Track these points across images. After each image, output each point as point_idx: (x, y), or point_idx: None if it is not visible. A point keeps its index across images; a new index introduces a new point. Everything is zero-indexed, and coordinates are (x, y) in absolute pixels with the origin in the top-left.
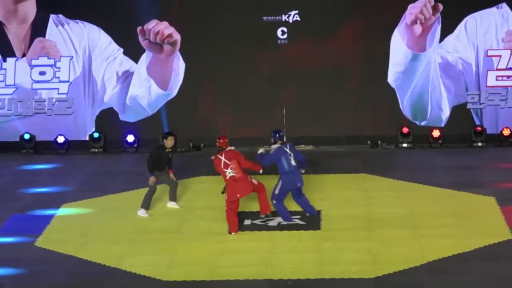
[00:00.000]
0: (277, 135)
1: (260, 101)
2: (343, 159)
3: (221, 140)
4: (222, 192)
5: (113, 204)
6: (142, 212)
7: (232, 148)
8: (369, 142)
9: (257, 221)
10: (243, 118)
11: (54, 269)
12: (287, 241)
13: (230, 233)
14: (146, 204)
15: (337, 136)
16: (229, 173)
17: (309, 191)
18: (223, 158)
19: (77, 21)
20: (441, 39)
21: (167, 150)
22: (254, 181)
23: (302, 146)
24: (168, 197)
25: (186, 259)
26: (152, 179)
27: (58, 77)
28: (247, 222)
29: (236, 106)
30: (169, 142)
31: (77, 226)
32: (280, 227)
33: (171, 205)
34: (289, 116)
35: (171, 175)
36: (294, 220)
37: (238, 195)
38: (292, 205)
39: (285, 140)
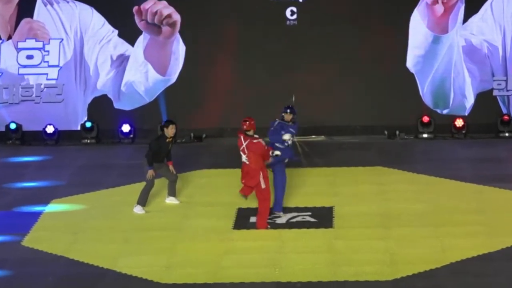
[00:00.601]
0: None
1: (267, 87)
2: (357, 150)
3: (248, 123)
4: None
5: (106, 200)
6: (138, 209)
7: (260, 140)
8: (386, 132)
9: None
10: (248, 105)
11: (42, 271)
12: (297, 240)
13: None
14: (143, 200)
15: (351, 125)
16: (244, 159)
17: (321, 185)
18: (244, 144)
19: (68, 0)
20: (465, 20)
21: (167, 140)
22: (263, 184)
23: (313, 136)
24: (167, 192)
25: (187, 259)
26: (150, 173)
27: (47, 61)
28: (253, 219)
29: (241, 92)
30: (170, 131)
31: (68, 224)
32: (289, 225)
33: (170, 200)
34: (298, 104)
35: (171, 167)
36: (278, 213)
37: (242, 181)
38: (303, 201)
39: (285, 118)
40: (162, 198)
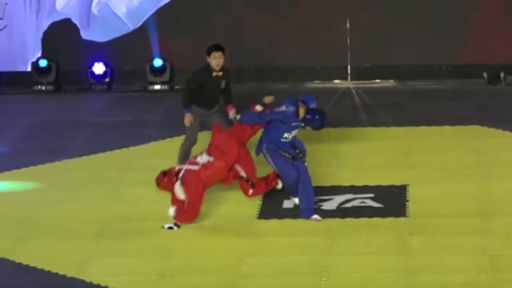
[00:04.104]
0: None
1: (309, 9)
2: (443, 102)
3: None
4: None
5: (70, 175)
6: None
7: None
8: (485, 74)
9: None
10: (281, 36)
11: None
12: (353, 234)
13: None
14: (182, 160)
15: (434, 65)
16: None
17: (389, 153)
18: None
19: None
20: None
21: (215, 74)
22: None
23: (378, 81)
24: None
25: (190, 264)
26: (187, 118)
27: None
28: (288, 204)
29: (269, 18)
30: (213, 61)
31: (13, 211)
32: (341, 212)
33: None
34: (355, 35)
35: (231, 113)
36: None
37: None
38: (362, 177)
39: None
40: (153, 171)
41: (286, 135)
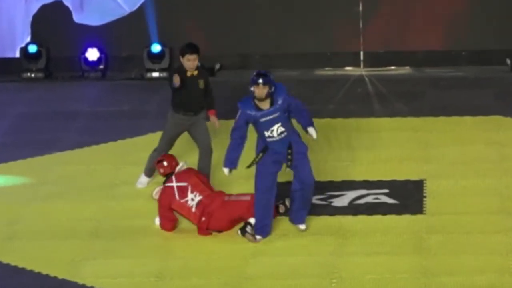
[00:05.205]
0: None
1: None
2: (463, 90)
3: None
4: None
5: (61, 170)
6: (140, 181)
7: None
8: (508, 61)
9: (314, 199)
10: (289, 20)
11: None
12: (366, 233)
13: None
14: (149, 169)
15: (453, 50)
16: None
17: (405, 145)
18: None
19: None
20: None
21: (189, 74)
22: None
23: (393, 68)
24: (197, 166)
25: (190, 265)
26: (176, 77)
27: None
28: None
29: (276, 0)
30: (186, 63)
31: (0, 208)
32: (353, 209)
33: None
34: (369, 18)
35: (213, 118)
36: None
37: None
38: (376, 171)
39: (256, 93)
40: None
41: (267, 134)
